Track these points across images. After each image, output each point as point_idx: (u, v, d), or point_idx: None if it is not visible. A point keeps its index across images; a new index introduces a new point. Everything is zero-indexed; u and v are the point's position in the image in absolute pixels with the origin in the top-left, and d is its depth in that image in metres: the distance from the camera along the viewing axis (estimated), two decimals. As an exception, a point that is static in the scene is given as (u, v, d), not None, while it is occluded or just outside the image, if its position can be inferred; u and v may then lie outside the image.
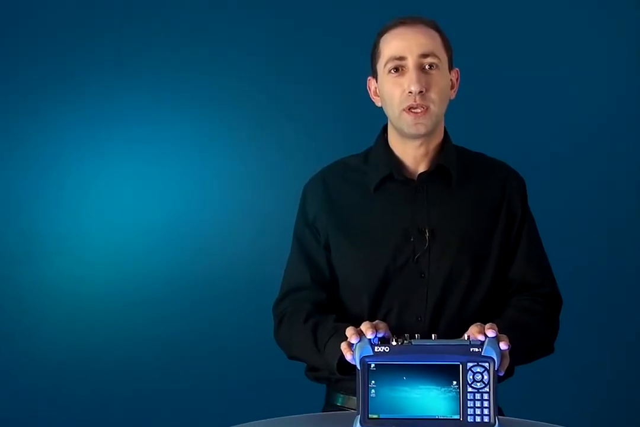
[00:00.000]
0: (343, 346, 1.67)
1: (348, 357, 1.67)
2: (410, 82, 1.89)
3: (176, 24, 3.02)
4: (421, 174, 1.98)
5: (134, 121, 3.03)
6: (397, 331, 1.72)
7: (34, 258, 3.02)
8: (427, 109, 1.90)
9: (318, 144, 3.01)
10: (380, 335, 1.66)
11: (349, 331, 1.66)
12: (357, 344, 1.61)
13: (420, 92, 1.89)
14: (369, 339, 1.61)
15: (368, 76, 2.03)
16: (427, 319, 1.92)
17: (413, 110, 1.90)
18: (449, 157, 1.99)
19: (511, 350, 1.64)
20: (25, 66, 3.01)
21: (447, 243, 1.94)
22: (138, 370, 3.02)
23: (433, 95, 1.90)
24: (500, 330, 1.64)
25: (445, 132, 2.02)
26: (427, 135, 1.95)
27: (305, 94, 3.03)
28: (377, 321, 1.70)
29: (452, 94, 1.99)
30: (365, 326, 1.66)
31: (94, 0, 3.01)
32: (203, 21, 3.03)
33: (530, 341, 1.87)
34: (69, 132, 3.01)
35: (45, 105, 3.02)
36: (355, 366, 1.61)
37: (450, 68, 1.98)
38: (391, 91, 1.92)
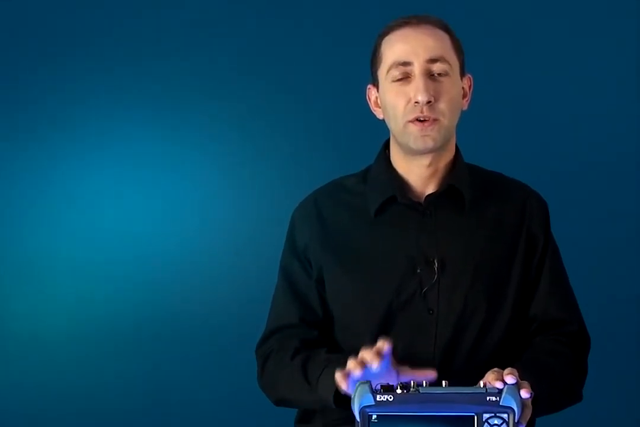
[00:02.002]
0: (338, 375, 1.57)
1: (343, 387, 1.57)
2: (416, 91, 1.75)
3: (163, 37, 2.93)
4: (429, 196, 1.83)
5: (107, 143, 2.92)
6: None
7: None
8: (435, 121, 1.76)
9: (310, 162, 2.85)
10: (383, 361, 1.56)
11: (351, 363, 1.56)
12: (356, 391, 1.47)
13: (429, 102, 1.75)
14: (370, 386, 1.47)
15: (368, 84, 1.88)
16: (436, 363, 1.76)
17: (420, 121, 1.76)
18: (461, 176, 1.85)
19: (533, 399, 1.51)
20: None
21: (458, 275, 1.80)
22: (102, 413, 2.89)
23: (443, 105, 1.76)
24: (521, 376, 1.52)
25: (457, 148, 1.88)
26: (436, 152, 1.81)
27: (296, 104, 2.89)
28: (378, 345, 1.58)
29: (465, 104, 1.85)
30: (367, 355, 1.56)
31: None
32: (190, 31, 2.93)
33: (555, 388, 1.73)
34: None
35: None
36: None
37: (462, 74, 1.83)
38: (394, 101, 1.78)
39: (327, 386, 1.69)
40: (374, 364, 1.54)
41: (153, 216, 2.92)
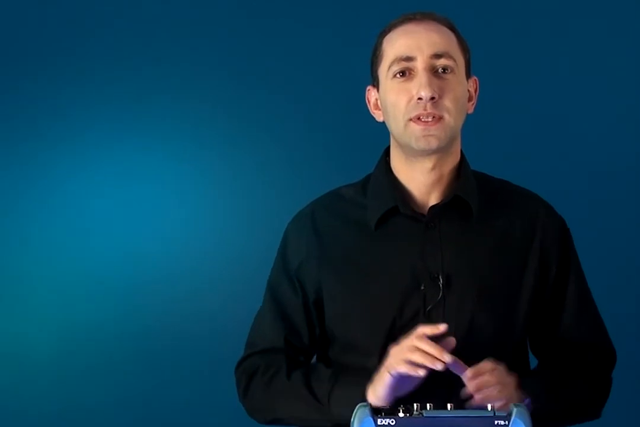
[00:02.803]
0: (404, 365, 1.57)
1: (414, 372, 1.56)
2: (419, 86, 1.68)
3: (155, 42, 2.91)
4: (433, 206, 1.76)
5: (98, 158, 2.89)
6: (405, 399, 1.58)
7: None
8: (440, 119, 1.70)
9: (306, 171, 2.80)
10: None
11: (418, 357, 1.57)
12: (356, 414, 1.44)
13: (432, 98, 1.68)
14: (370, 409, 1.44)
15: (367, 86, 1.82)
16: (442, 385, 1.67)
17: (423, 119, 1.70)
18: (467, 185, 1.77)
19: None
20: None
21: (465, 293, 1.73)
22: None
23: (447, 103, 1.70)
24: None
25: (462, 154, 1.81)
26: (440, 154, 1.74)
27: (290, 109, 2.84)
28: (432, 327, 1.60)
29: (470, 108, 1.78)
30: (434, 350, 1.57)
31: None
32: (184, 36, 2.90)
33: (571, 403, 1.73)
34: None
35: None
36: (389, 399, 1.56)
37: (468, 75, 1.78)
38: (396, 99, 1.72)
39: (343, 402, 1.65)
40: (446, 360, 1.54)
41: (141, 231, 2.89)
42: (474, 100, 1.79)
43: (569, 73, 2.85)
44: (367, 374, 1.65)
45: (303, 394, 1.71)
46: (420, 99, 1.68)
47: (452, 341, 1.58)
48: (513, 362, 1.73)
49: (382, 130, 1.81)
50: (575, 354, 1.79)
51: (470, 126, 1.80)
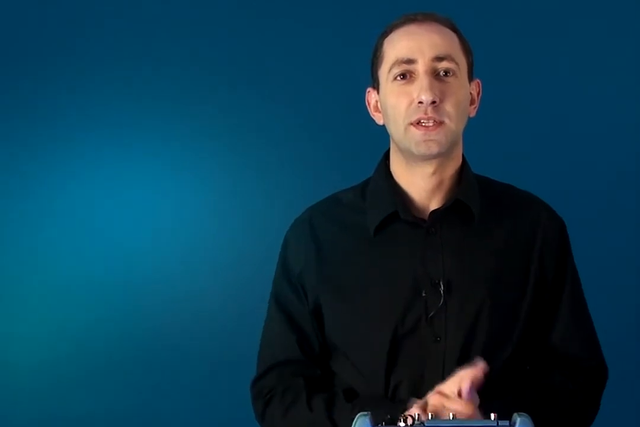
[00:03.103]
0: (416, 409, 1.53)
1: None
2: (420, 90, 1.66)
3: (153, 42, 2.87)
4: (434, 211, 1.73)
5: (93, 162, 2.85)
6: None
7: None
8: (440, 124, 1.67)
9: (303, 175, 2.76)
10: None
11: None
12: (355, 424, 1.42)
13: (433, 102, 1.65)
14: (369, 418, 1.41)
15: (367, 87, 1.79)
16: None
17: (423, 124, 1.67)
18: (469, 189, 1.74)
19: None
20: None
21: (466, 299, 1.70)
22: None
23: (449, 107, 1.67)
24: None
25: (464, 158, 1.78)
26: (441, 159, 1.71)
27: (285, 109, 2.79)
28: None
29: (472, 111, 1.75)
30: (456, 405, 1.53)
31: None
32: (181, 39, 2.86)
33: (557, 419, 1.70)
34: None
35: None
36: None
37: (470, 78, 1.74)
38: (396, 102, 1.69)
39: None
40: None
41: (138, 237, 2.85)
42: (476, 104, 1.76)
43: (572, 74, 2.82)
44: (387, 403, 1.64)
45: (322, 422, 1.68)
46: (420, 102, 1.65)
47: (482, 367, 1.55)
48: (511, 368, 1.72)
49: (381, 133, 1.78)
50: (564, 369, 1.76)
51: (472, 129, 1.77)
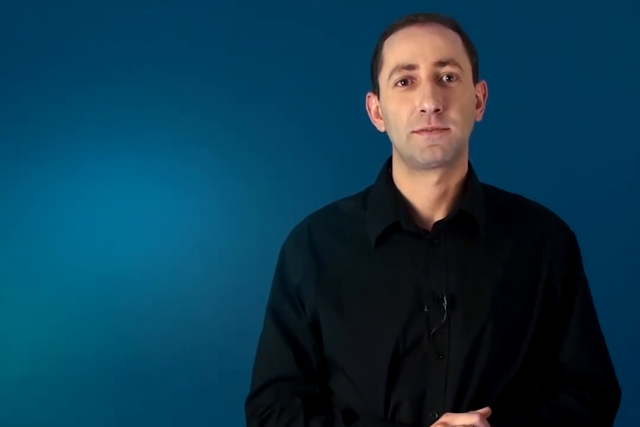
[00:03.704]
0: None
1: None
2: (422, 97, 1.60)
3: (148, 45, 2.84)
4: (438, 222, 1.68)
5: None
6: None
7: None
8: (446, 130, 1.62)
9: (301, 183, 2.73)
10: None
11: None
12: None
13: (437, 110, 1.59)
14: None
15: (368, 92, 1.74)
16: (447, 410, 1.63)
17: (426, 130, 1.62)
18: (475, 200, 1.69)
19: None
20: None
21: (470, 315, 1.65)
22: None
23: (453, 114, 1.61)
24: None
25: (470, 167, 1.72)
26: (446, 168, 1.66)
27: (281, 113, 2.76)
28: None
29: (479, 115, 1.70)
30: None
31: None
32: (176, 42, 2.83)
33: None
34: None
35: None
36: None
37: (476, 80, 1.69)
38: (397, 109, 1.63)
39: None
40: None
41: (120, 245, 2.82)
42: (483, 107, 1.71)
43: (576, 75, 2.80)
44: (387, 426, 1.61)
45: None
46: (423, 111, 1.60)
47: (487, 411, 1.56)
48: (519, 386, 1.68)
49: (383, 140, 1.73)
50: (573, 389, 1.72)
51: (477, 133, 1.72)
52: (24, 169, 2.82)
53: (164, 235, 2.79)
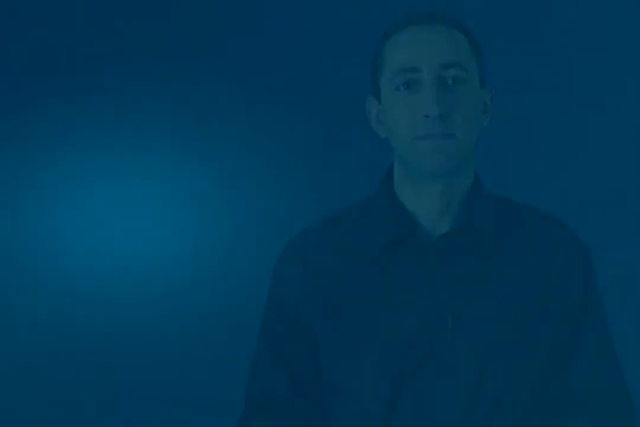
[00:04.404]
0: None
1: None
2: (426, 102, 1.55)
3: (149, 47, 2.83)
4: (443, 236, 1.63)
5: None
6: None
7: None
8: (451, 136, 1.58)
9: (298, 191, 2.71)
10: None
11: None
12: None
13: (441, 115, 1.55)
14: None
15: (368, 96, 1.69)
16: None
17: (430, 137, 1.58)
18: (482, 211, 1.64)
19: None
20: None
21: (476, 335, 1.60)
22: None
23: (458, 119, 1.56)
24: None
25: (476, 176, 1.67)
26: (451, 176, 1.61)
27: (277, 118, 2.75)
28: None
29: (485, 120, 1.65)
30: None
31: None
32: (174, 43, 2.83)
33: None
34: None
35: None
36: None
37: (482, 84, 1.63)
38: (399, 115, 1.58)
39: None
40: None
41: (112, 255, 2.80)
42: (490, 112, 1.66)
43: (579, 77, 2.76)
44: None
45: None
46: (427, 116, 1.56)
47: None
48: (528, 410, 1.63)
49: (385, 146, 1.68)
50: (586, 412, 1.66)
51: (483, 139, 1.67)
52: (33, 170, 2.81)
53: (162, 241, 2.77)
